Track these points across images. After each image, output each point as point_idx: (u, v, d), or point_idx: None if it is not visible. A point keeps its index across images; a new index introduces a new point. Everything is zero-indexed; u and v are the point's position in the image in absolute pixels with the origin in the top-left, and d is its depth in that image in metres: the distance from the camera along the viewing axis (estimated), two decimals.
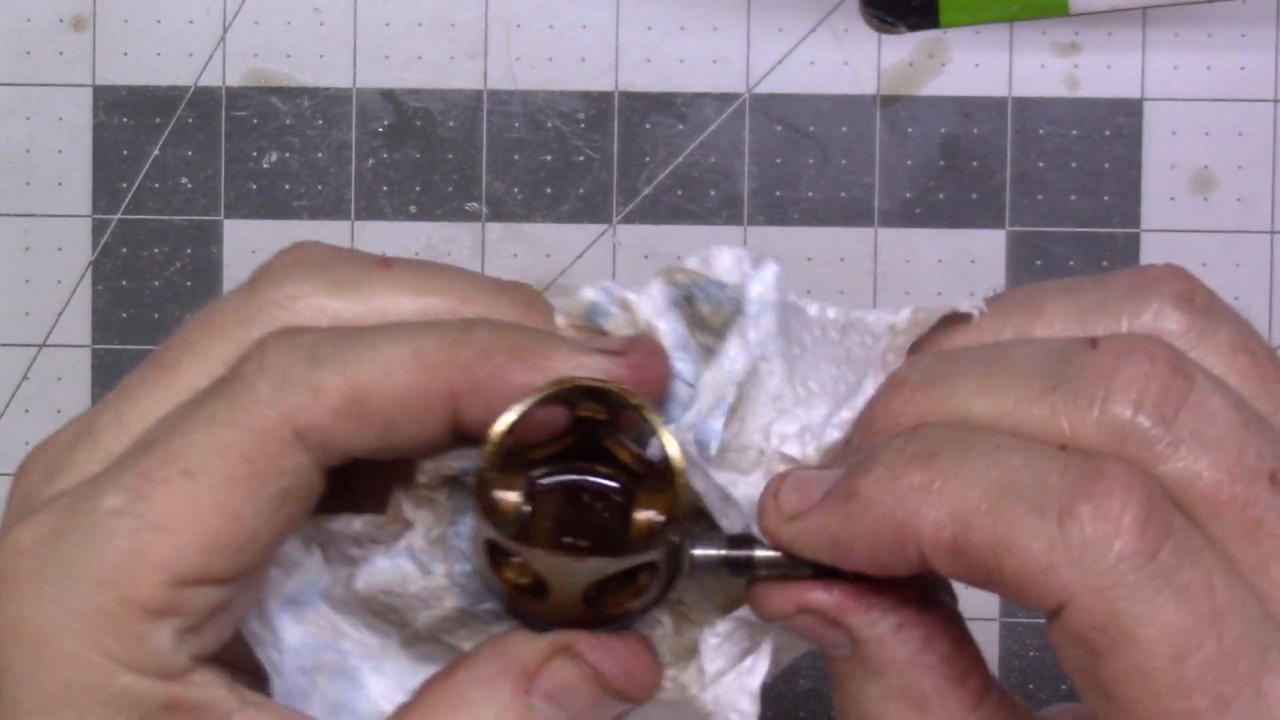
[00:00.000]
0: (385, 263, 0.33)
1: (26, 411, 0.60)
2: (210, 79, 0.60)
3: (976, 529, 0.27)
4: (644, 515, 0.32)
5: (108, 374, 0.60)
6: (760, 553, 0.31)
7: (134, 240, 0.60)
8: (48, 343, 0.60)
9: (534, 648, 0.31)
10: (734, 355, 0.33)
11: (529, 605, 0.32)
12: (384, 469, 0.33)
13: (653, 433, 0.32)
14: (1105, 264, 0.60)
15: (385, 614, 0.34)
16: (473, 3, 0.61)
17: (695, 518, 0.33)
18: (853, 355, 0.34)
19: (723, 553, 0.32)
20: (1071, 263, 0.60)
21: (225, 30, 0.60)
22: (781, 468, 0.33)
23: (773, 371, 0.34)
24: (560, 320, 0.34)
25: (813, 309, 0.35)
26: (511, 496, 0.32)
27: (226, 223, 0.61)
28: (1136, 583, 0.26)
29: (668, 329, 0.33)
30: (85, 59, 0.60)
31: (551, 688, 0.31)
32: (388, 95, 0.61)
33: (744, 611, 0.33)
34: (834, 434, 0.33)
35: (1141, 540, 0.26)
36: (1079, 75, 0.60)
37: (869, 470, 0.29)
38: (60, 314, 0.61)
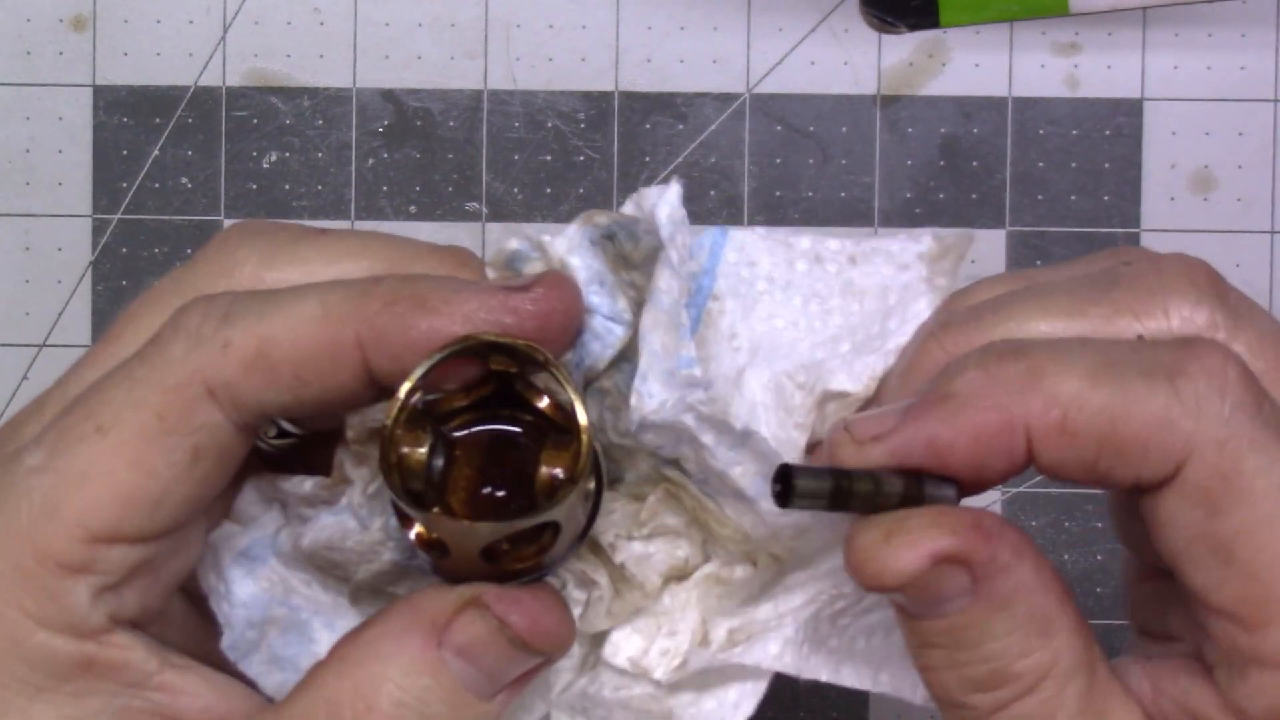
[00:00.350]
0: (320, 231, 0.33)
1: None
2: (210, 79, 0.60)
3: (1088, 401, 0.28)
4: (546, 471, 0.32)
5: None
6: (856, 470, 0.30)
7: (134, 240, 0.60)
8: (48, 343, 0.60)
9: (444, 601, 0.31)
10: (665, 286, 0.33)
11: (438, 561, 0.32)
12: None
13: (560, 387, 0.32)
14: None
15: (331, 570, 0.35)
16: (473, 3, 0.61)
17: (595, 473, 0.33)
18: (856, 286, 0.34)
19: (827, 484, 0.30)
20: None
21: (225, 30, 0.60)
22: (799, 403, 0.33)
23: (723, 310, 0.34)
24: (490, 273, 0.34)
25: (805, 240, 0.35)
26: (420, 451, 0.32)
27: (226, 223, 0.61)
28: (1253, 432, 0.27)
29: (580, 264, 0.33)
30: (85, 59, 0.60)
31: (462, 641, 0.31)
32: (388, 95, 0.61)
33: (740, 651, 0.33)
34: (877, 362, 0.33)
35: (1249, 393, 0.28)
36: (1079, 75, 0.60)
37: (960, 373, 0.29)
38: (60, 314, 0.61)
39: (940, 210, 0.60)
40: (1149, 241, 0.60)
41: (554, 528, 0.32)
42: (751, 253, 0.35)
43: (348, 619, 0.35)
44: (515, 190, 0.61)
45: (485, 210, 0.61)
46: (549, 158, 0.60)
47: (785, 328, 0.34)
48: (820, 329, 0.34)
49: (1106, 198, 0.60)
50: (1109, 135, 0.60)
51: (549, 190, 0.60)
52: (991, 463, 0.29)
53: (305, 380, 0.31)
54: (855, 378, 0.33)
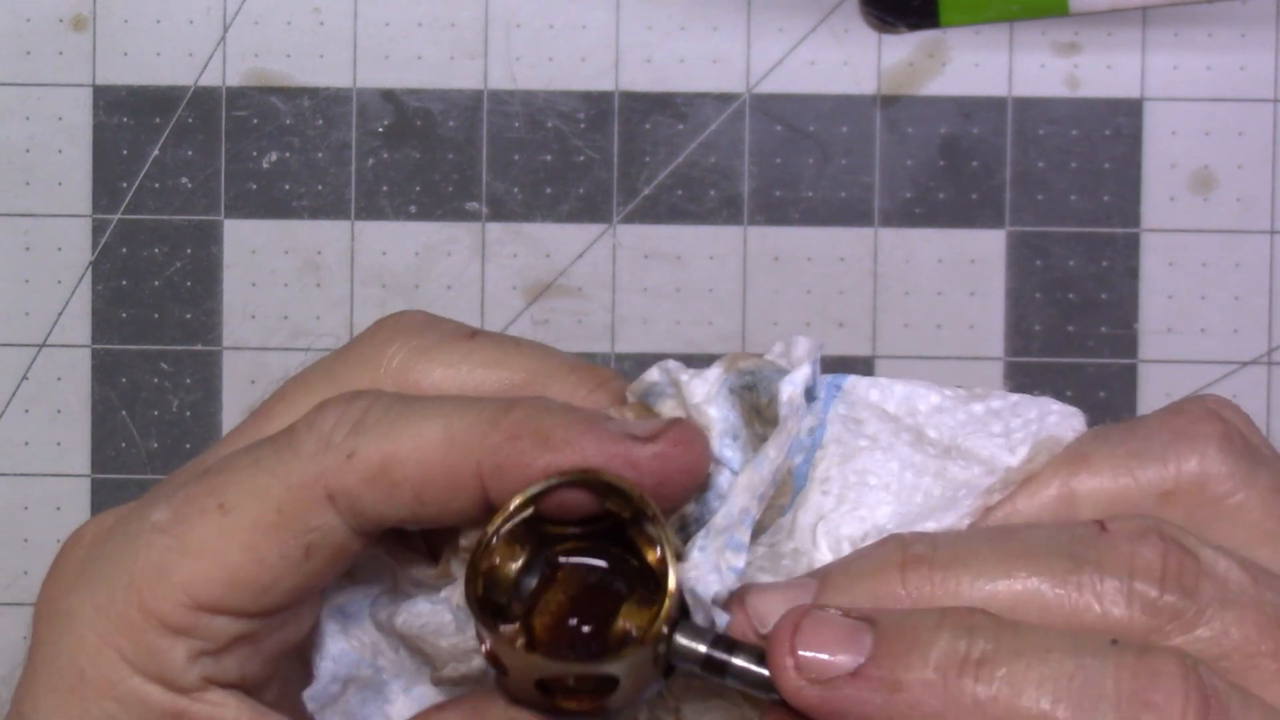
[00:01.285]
0: (470, 335, 0.34)
1: (26, 411, 0.60)
2: (210, 79, 0.60)
3: None
4: (622, 624, 0.31)
5: (108, 374, 0.60)
6: (740, 662, 0.30)
7: (134, 240, 0.60)
8: (48, 343, 0.60)
9: (494, 715, 0.32)
10: (772, 456, 0.32)
11: (499, 678, 0.32)
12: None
13: (659, 545, 0.31)
14: (1105, 264, 0.60)
15: (418, 653, 0.35)
16: (473, 3, 0.61)
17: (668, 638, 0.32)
18: (948, 474, 0.33)
19: (703, 650, 0.30)
20: (1071, 262, 0.60)
21: (225, 30, 0.60)
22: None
23: (825, 455, 0.33)
24: (628, 398, 0.34)
25: (911, 414, 0.34)
26: (512, 566, 0.32)
27: (226, 223, 0.61)
28: None
29: (717, 415, 0.32)
30: (85, 59, 0.60)
31: None
32: (388, 95, 0.61)
33: None
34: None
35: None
36: (1079, 75, 0.60)
37: (914, 666, 0.28)
38: (60, 314, 0.60)
39: (940, 210, 0.60)
40: (1149, 241, 0.60)
41: (613, 680, 0.31)
42: (859, 411, 0.34)
43: (426, 686, 0.35)
44: (515, 190, 0.61)
45: (485, 210, 0.61)
46: (549, 158, 0.60)
47: (876, 486, 0.33)
48: (906, 500, 0.33)
49: (1106, 198, 0.60)
50: (1109, 135, 0.60)
51: (549, 190, 0.60)
52: None
53: (424, 500, 0.31)
54: None
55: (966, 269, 0.60)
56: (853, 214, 0.60)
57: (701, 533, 0.31)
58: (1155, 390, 0.60)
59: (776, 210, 0.60)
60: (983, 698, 0.28)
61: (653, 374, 0.34)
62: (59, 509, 0.61)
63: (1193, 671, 0.28)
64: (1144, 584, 0.29)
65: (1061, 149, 0.60)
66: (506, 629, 0.31)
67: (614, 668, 0.30)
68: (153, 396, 0.61)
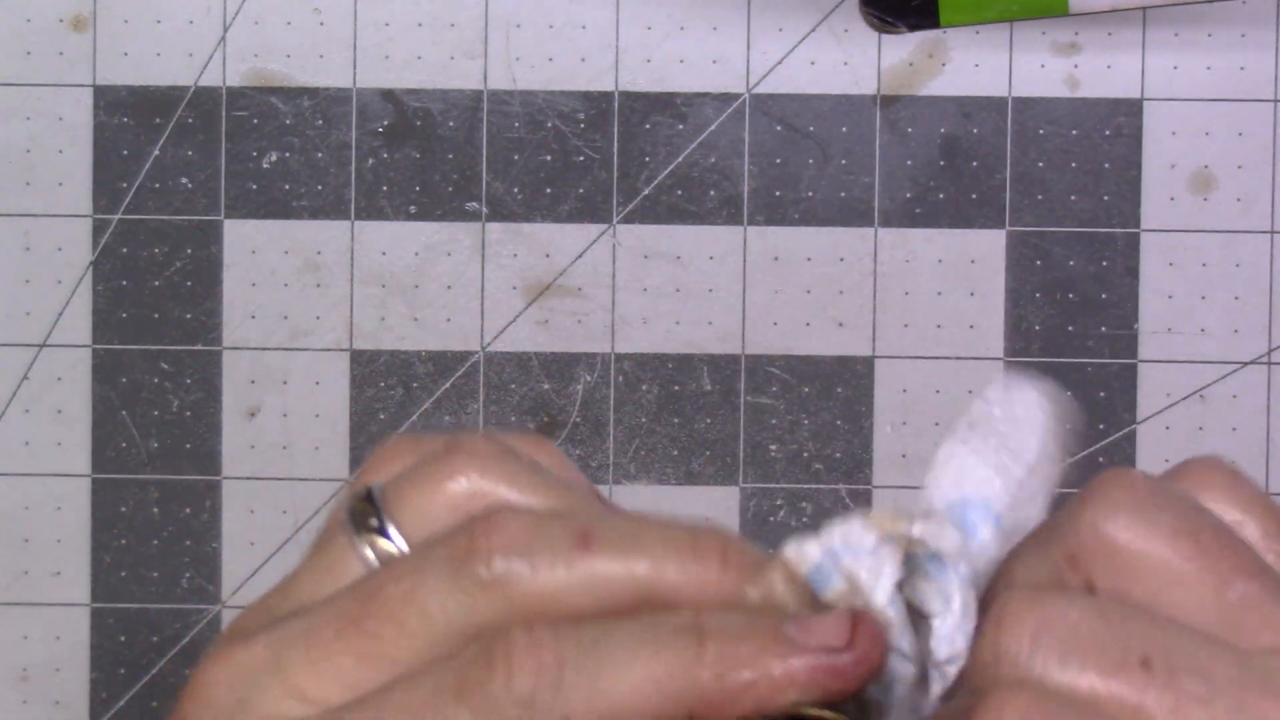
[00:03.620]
0: (584, 542, 0.33)
1: (26, 411, 0.61)
2: (210, 79, 0.60)
3: None
4: None
5: (108, 374, 0.60)
6: None
7: (134, 240, 0.60)
8: (48, 343, 0.60)
9: None
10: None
11: None
12: None
13: None
14: (1105, 264, 0.60)
15: None
16: (473, 3, 0.61)
17: None
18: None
19: None
20: (1071, 262, 0.60)
21: (225, 30, 0.61)
22: None
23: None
24: (783, 557, 0.34)
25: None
26: None
27: (226, 223, 0.61)
28: None
29: (895, 613, 0.32)
30: (85, 59, 0.60)
31: None
32: (388, 95, 0.61)
33: None
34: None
35: None
36: (1079, 75, 0.60)
37: None
38: (60, 314, 0.61)
39: (940, 210, 0.60)
40: (1149, 241, 0.60)
41: None
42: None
43: None
44: (515, 190, 0.61)
45: (485, 210, 0.61)
46: (549, 158, 0.60)
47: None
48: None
49: (1106, 198, 0.60)
50: (1109, 135, 0.60)
51: (549, 190, 0.60)
52: None
53: None
54: None
55: (966, 269, 0.60)
56: (853, 214, 0.60)
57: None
58: (1155, 390, 0.60)
59: (776, 210, 0.60)
60: None
61: (813, 553, 0.33)
62: (59, 509, 0.61)
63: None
64: (1009, 640, 0.29)
65: (1061, 149, 0.60)
66: None
67: None
68: (153, 396, 0.61)
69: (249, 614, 0.34)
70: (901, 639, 0.33)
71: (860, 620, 0.32)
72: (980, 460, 0.33)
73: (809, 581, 0.33)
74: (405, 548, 0.33)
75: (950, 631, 0.32)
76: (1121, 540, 0.30)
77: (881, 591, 0.32)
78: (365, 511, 0.34)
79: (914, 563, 0.33)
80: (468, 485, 0.34)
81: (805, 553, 0.33)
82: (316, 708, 0.32)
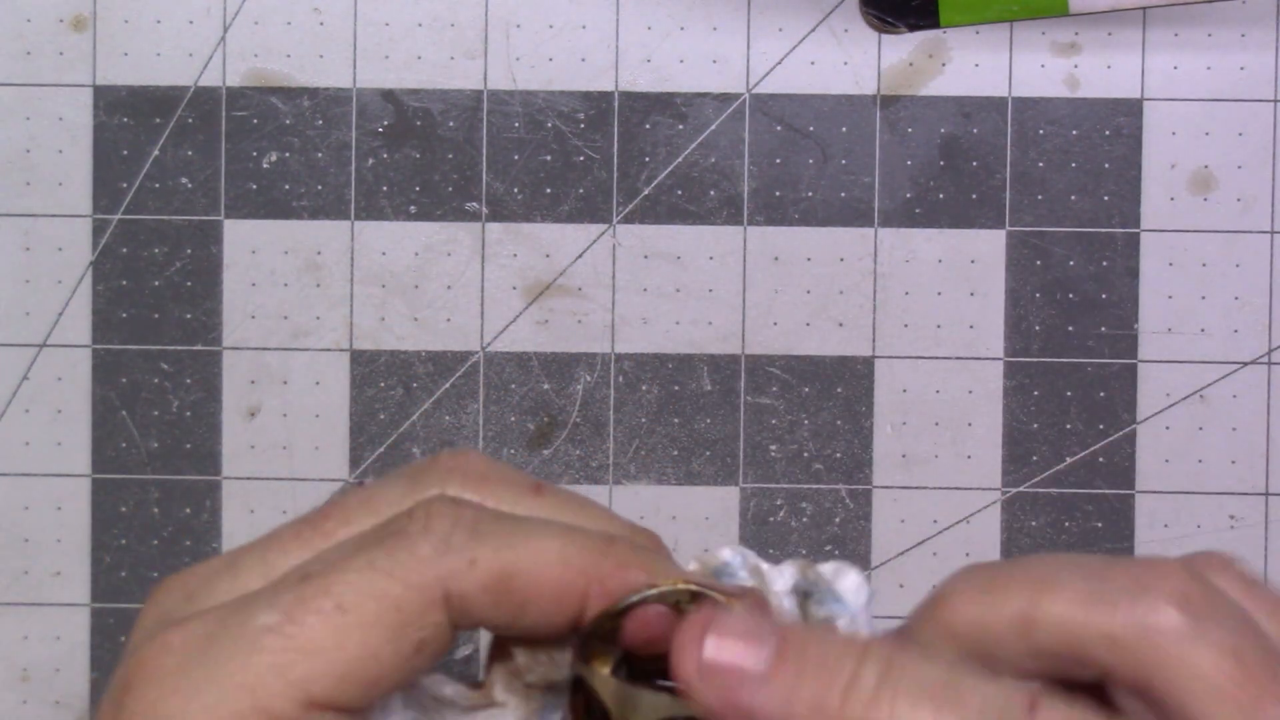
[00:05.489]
0: (537, 489, 0.36)
1: (26, 411, 0.61)
2: (210, 79, 0.60)
3: None
4: None
5: (108, 374, 0.60)
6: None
7: (134, 240, 0.60)
8: (48, 343, 0.60)
9: None
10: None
11: None
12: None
13: None
14: (1105, 264, 0.60)
15: None
16: (473, 3, 0.61)
17: None
18: None
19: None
20: (1071, 262, 0.60)
21: (225, 30, 0.60)
22: None
23: None
24: (692, 567, 0.36)
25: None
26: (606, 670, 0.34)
27: (226, 223, 0.61)
28: None
29: (789, 608, 0.35)
30: (85, 59, 0.60)
31: None
32: (388, 95, 0.61)
33: None
34: None
35: None
36: (1079, 75, 0.60)
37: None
38: (60, 314, 0.61)
39: (940, 210, 0.60)
40: (1148, 241, 0.60)
41: None
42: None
43: None
44: (515, 190, 0.61)
45: (485, 210, 0.61)
46: (549, 158, 0.60)
47: None
48: None
49: (1106, 198, 0.60)
50: (1109, 135, 0.60)
51: (549, 190, 0.60)
52: None
53: (526, 612, 0.33)
54: None
55: (966, 269, 0.60)
56: (853, 214, 0.60)
57: None
58: (1155, 390, 0.60)
59: (776, 210, 0.60)
60: None
61: (725, 553, 0.36)
62: (59, 509, 0.61)
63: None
64: None
65: (1061, 149, 0.60)
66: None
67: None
68: (153, 396, 0.61)
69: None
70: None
71: (752, 590, 0.35)
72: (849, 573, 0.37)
73: (717, 574, 0.35)
74: None
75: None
76: (1171, 647, 0.31)
77: (780, 580, 0.35)
78: None
79: (816, 591, 0.36)
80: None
81: (718, 553, 0.35)
82: None
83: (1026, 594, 0.32)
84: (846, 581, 0.36)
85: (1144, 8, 0.59)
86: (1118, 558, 0.33)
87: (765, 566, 0.36)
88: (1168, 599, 0.31)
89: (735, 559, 0.36)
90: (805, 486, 0.61)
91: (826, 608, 0.35)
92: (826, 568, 0.36)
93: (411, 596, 0.32)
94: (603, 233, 0.61)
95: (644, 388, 0.61)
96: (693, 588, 0.33)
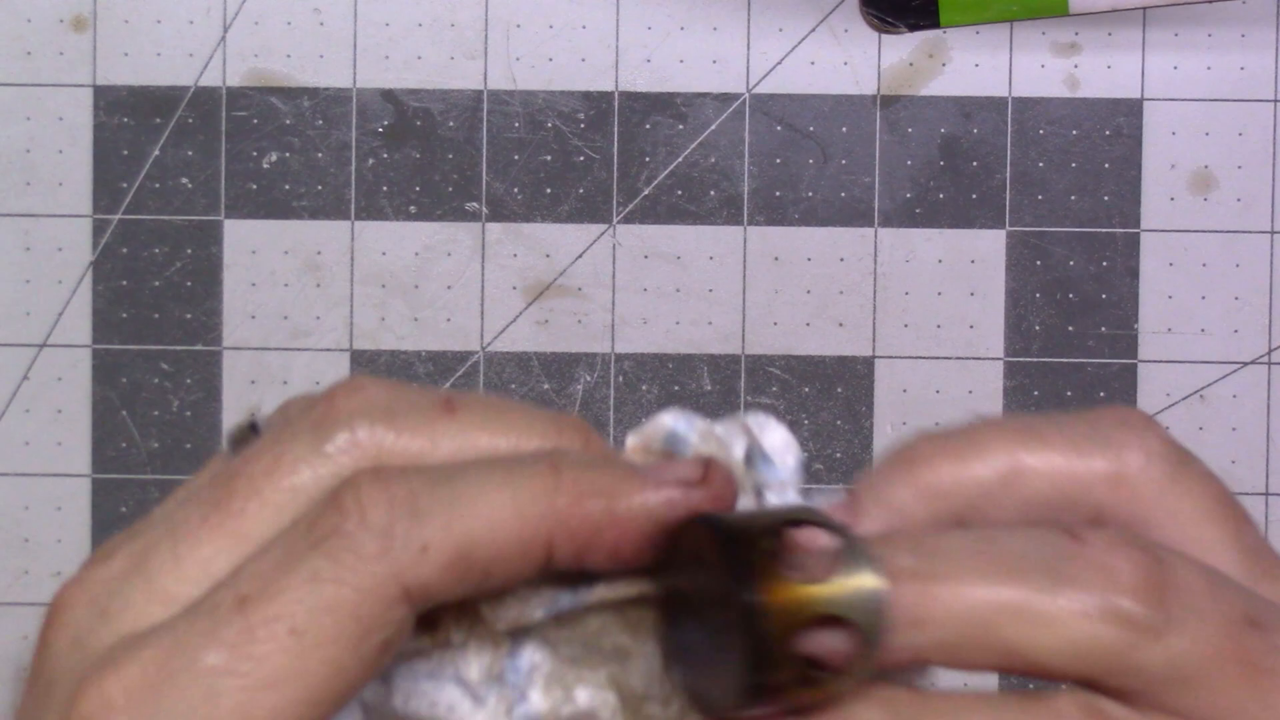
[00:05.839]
0: (448, 406, 0.33)
1: (27, 411, 0.61)
2: (210, 79, 0.60)
3: None
4: None
5: (108, 374, 0.60)
6: None
7: (134, 240, 0.60)
8: (48, 343, 0.60)
9: None
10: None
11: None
12: None
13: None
14: (1105, 264, 0.60)
15: None
16: (473, 3, 0.61)
17: None
18: None
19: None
20: (1072, 262, 0.60)
21: (225, 30, 0.61)
22: None
23: None
24: (631, 440, 0.34)
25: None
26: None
27: (226, 223, 0.61)
28: None
29: (746, 479, 0.34)
30: (85, 59, 0.60)
31: None
32: (388, 95, 0.61)
33: None
34: None
35: None
36: (1079, 75, 0.60)
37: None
38: (60, 314, 0.61)
39: (940, 210, 0.60)
40: (1148, 241, 0.60)
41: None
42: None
43: None
44: (515, 190, 0.61)
45: (485, 210, 0.61)
46: (549, 158, 0.60)
47: None
48: None
49: (1106, 198, 0.60)
50: (1109, 135, 0.60)
51: (549, 190, 0.60)
52: None
53: (492, 575, 0.31)
54: None
55: (966, 269, 0.60)
56: (853, 214, 0.60)
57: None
58: (1155, 390, 0.60)
59: (776, 210, 0.60)
60: None
61: (667, 420, 0.34)
62: (59, 509, 0.61)
63: (1097, 713, 0.29)
64: (1120, 599, 0.30)
65: (1061, 149, 0.60)
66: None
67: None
68: (153, 396, 0.61)
69: (110, 540, 0.33)
70: (747, 500, 0.34)
71: (713, 461, 0.32)
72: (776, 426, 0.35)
73: (667, 446, 0.33)
74: None
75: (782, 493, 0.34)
76: (1159, 486, 0.31)
77: (739, 448, 0.33)
78: (245, 437, 0.33)
79: (751, 451, 0.34)
80: (351, 433, 0.32)
81: (660, 423, 0.33)
82: (181, 605, 0.31)
83: (1009, 447, 0.32)
84: (773, 438, 0.34)
85: (1144, 8, 0.59)
86: (1073, 412, 0.33)
87: (719, 430, 0.34)
88: (1155, 442, 0.32)
89: (681, 424, 0.34)
90: (805, 486, 0.61)
91: (757, 470, 0.34)
92: (753, 421, 0.34)
93: (368, 601, 0.30)
94: (603, 233, 0.61)
95: (644, 388, 0.61)
96: (796, 515, 0.31)
